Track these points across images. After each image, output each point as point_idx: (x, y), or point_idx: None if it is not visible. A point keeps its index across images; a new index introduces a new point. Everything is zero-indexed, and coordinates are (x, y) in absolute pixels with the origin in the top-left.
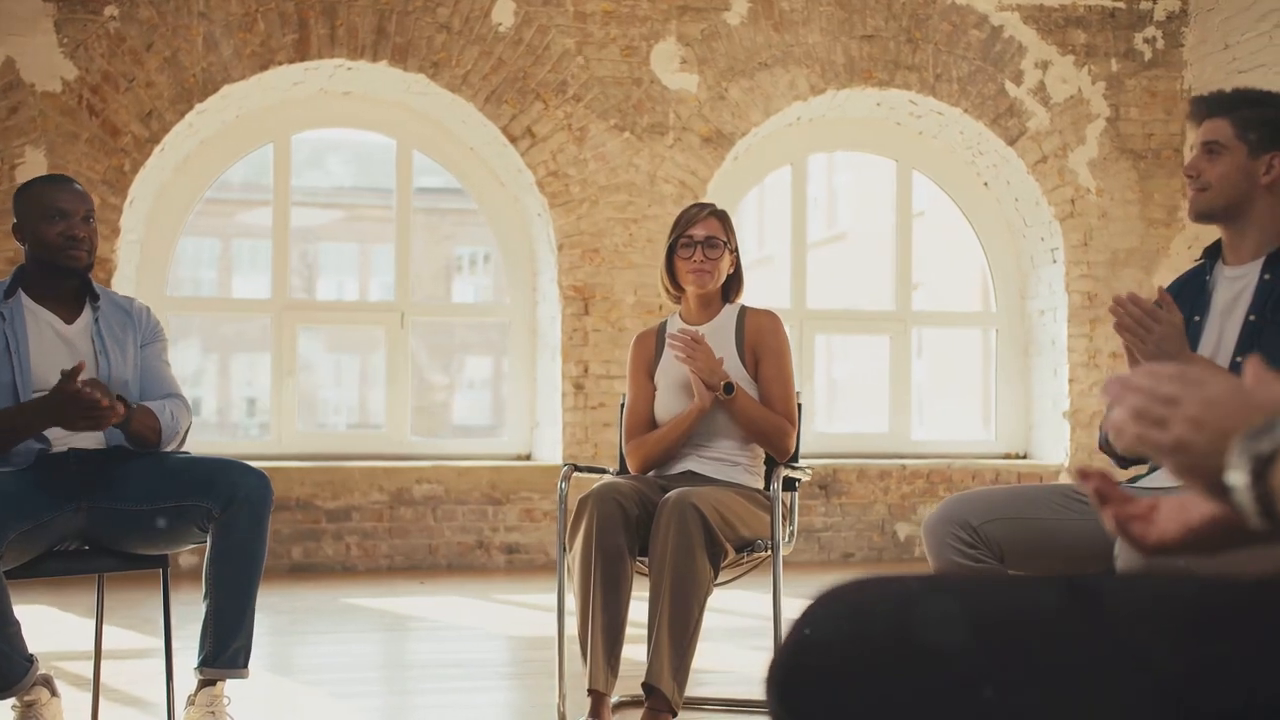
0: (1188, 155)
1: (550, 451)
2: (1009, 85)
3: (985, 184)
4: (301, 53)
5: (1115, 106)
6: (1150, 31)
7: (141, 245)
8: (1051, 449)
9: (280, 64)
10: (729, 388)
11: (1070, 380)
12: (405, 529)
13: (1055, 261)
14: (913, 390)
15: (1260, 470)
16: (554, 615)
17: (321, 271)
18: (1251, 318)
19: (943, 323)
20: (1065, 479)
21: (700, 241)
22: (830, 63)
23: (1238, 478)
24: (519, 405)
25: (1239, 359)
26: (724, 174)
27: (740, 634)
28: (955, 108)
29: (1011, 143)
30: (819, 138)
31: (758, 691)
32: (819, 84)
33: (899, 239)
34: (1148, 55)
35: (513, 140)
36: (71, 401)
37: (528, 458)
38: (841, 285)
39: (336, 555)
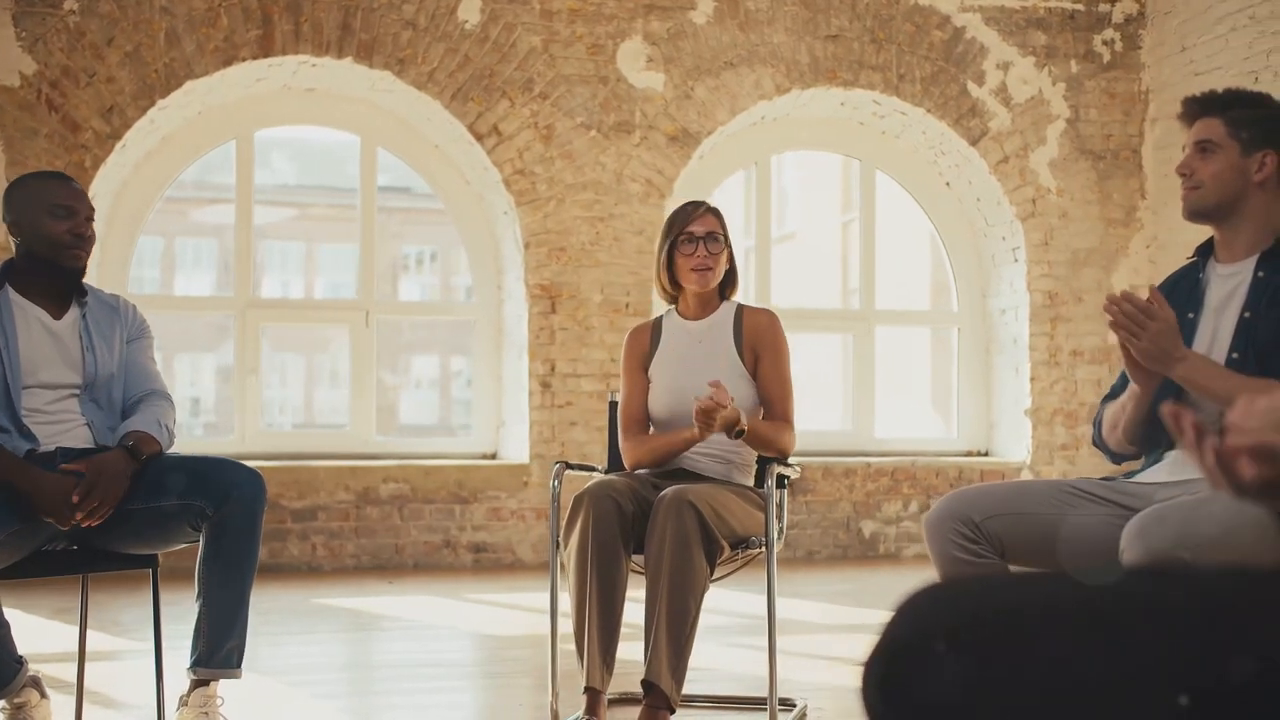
0: (1147, 156)
1: (517, 450)
2: (971, 86)
3: (947, 184)
4: (265, 49)
5: (1075, 108)
6: (1109, 34)
7: (102, 243)
8: (1013, 446)
9: (244, 60)
10: (740, 432)
11: (1031, 379)
12: (372, 529)
13: (1016, 261)
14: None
15: None
16: (528, 614)
17: (266, 270)
18: (1246, 314)
19: (905, 321)
20: (1026, 475)
21: (701, 238)
22: (795, 62)
23: None
24: (485, 404)
25: (1234, 355)
26: (690, 172)
27: (722, 631)
28: (918, 108)
29: (973, 143)
30: (783, 137)
31: (748, 689)
32: (784, 83)
33: (863, 238)
34: (1106, 57)
35: (479, 138)
36: (55, 493)
37: (493, 456)
38: (792, 284)
39: (302, 555)
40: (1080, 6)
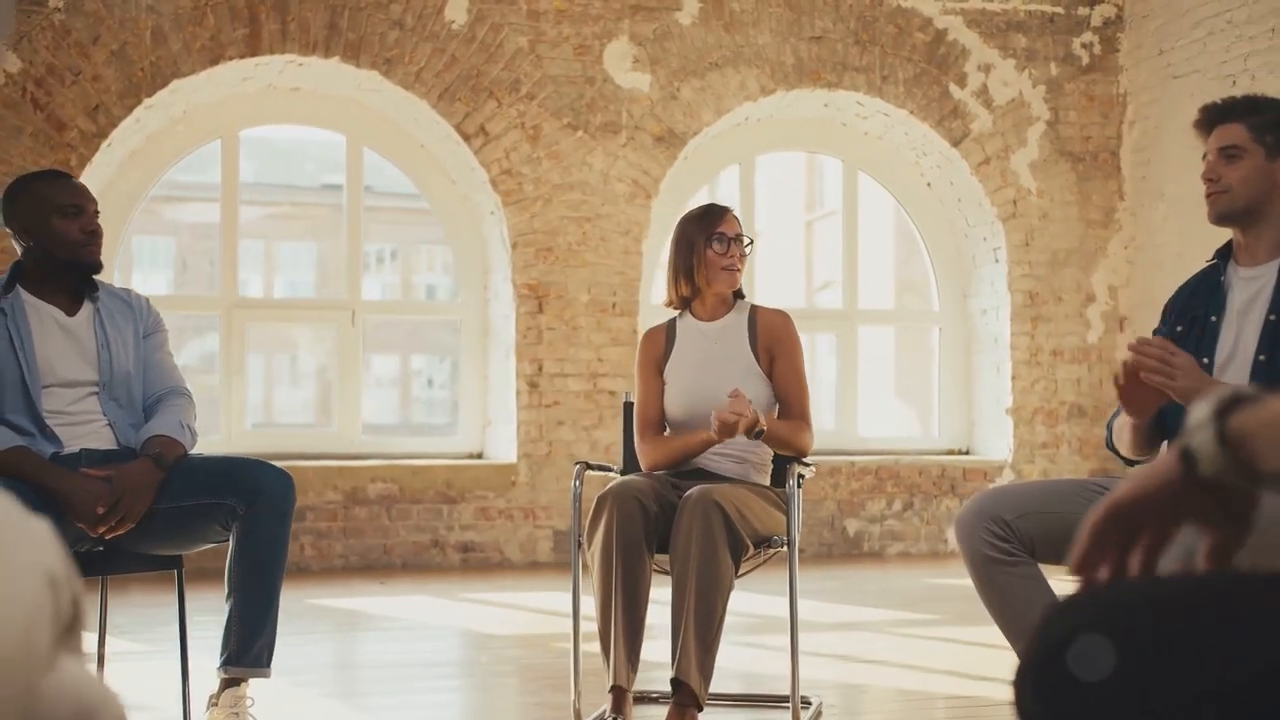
0: (1125, 158)
1: (504, 450)
2: (953, 88)
3: (929, 185)
4: (252, 48)
5: (1055, 110)
6: (1088, 37)
7: None
8: (994, 445)
9: (231, 59)
10: (759, 433)
11: (1012, 378)
12: (360, 528)
13: (997, 261)
14: (858, 388)
15: None
16: (520, 613)
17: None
18: (1271, 317)
19: (888, 321)
20: (1009, 475)
21: (732, 239)
22: (780, 64)
23: None
24: (471, 404)
25: (1260, 357)
26: (675, 173)
27: (728, 630)
28: (901, 109)
29: (955, 144)
30: (768, 138)
31: (752, 686)
32: (769, 84)
33: (845, 238)
34: (1085, 60)
35: (466, 138)
36: (86, 498)
37: (480, 456)
38: (758, 284)
39: (291, 555)
40: (1060, 10)
